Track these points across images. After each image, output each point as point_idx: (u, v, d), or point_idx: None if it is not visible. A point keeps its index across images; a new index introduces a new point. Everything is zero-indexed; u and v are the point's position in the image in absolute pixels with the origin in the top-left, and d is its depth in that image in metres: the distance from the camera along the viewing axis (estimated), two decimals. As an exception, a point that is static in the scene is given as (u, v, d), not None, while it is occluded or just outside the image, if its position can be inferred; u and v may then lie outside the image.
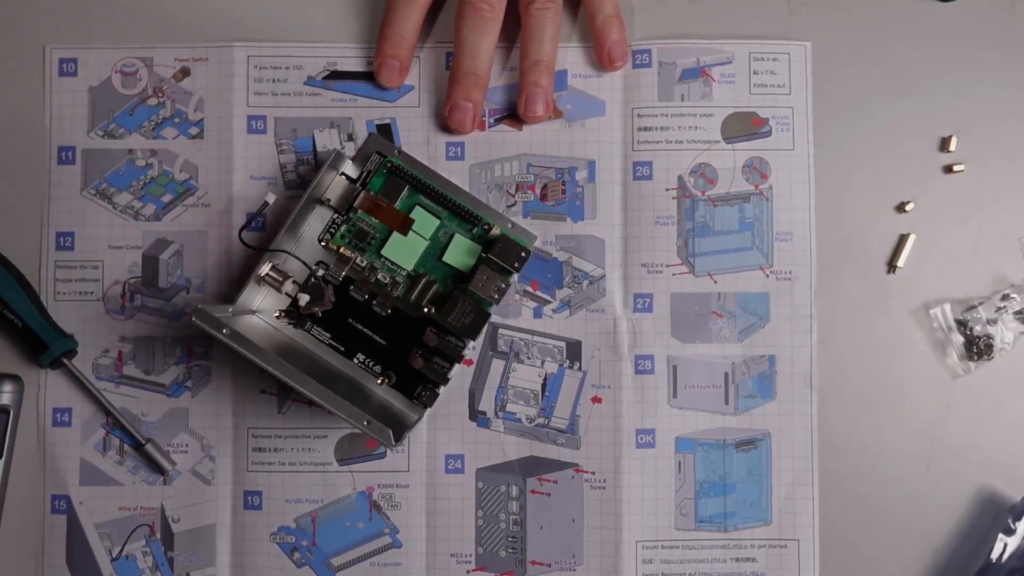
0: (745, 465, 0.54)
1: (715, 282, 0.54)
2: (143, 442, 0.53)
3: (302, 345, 0.51)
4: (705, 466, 0.54)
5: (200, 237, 0.54)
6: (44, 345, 0.52)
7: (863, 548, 0.54)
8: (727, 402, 0.54)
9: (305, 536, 0.54)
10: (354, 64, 0.55)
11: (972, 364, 0.54)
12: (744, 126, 0.55)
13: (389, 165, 0.50)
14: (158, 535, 0.54)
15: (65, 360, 0.53)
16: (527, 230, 0.49)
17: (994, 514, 0.54)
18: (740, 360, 0.54)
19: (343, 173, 0.51)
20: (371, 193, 0.50)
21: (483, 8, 0.52)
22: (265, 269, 0.49)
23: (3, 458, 0.53)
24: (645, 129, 0.55)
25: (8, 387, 0.53)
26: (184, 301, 0.54)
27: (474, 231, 0.50)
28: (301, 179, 0.55)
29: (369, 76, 0.55)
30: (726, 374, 0.54)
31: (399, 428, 0.46)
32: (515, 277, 0.49)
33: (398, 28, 0.53)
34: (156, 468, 0.54)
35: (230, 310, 0.48)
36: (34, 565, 0.54)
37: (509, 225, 0.49)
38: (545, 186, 0.55)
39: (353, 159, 0.51)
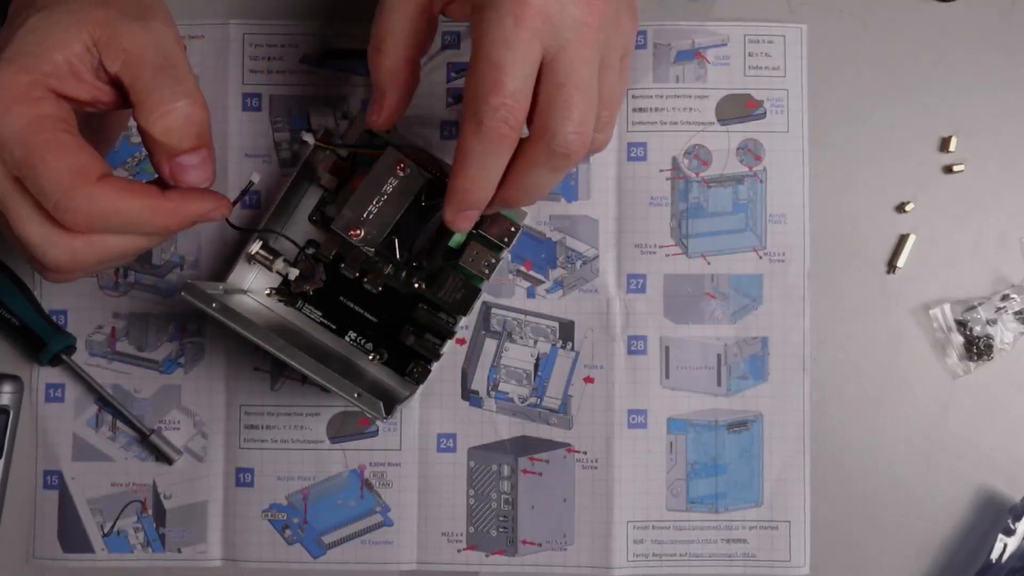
0: (737, 446, 0.54)
1: (708, 263, 0.54)
2: (148, 433, 0.54)
3: (293, 323, 0.52)
4: (697, 447, 0.54)
5: (194, 214, 0.54)
6: (43, 343, 0.53)
7: (856, 533, 0.54)
8: (719, 383, 0.54)
9: (296, 513, 0.54)
10: (350, 42, 0.55)
11: (972, 364, 0.54)
12: (738, 108, 0.55)
13: (379, 144, 0.50)
14: (150, 511, 0.54)
15: (64, 356, 0.53)
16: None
17: (994, 514, 0.54)
18: (733, 341, 0.54)
19: (334, 150, 0.51)
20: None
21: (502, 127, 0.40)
22: (255, 248, 0.49)
23: (3, 458, 0.53)
24: (640, 110, 0.55)
25: (8, 387, 0.53)
26: (178, 278, 0.54)
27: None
28: (295, 157, 0.55)
29: (365, 55, 0.55)
30: (719, 355, 0.54)
31: (390, 403, 0.46)
32: (506, 252, 0.49)
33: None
34: (162, 458, 0.54)
35: (221, 287, 0.48)
36: (26, 540, 0.54)
37: None
38: (539, 166, 0.55)
39: (343, 138, 0.51)
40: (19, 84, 0.38)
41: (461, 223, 0.43)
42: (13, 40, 0.39)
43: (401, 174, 0.46)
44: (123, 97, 0.40)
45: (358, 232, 0.46)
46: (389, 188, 0.47)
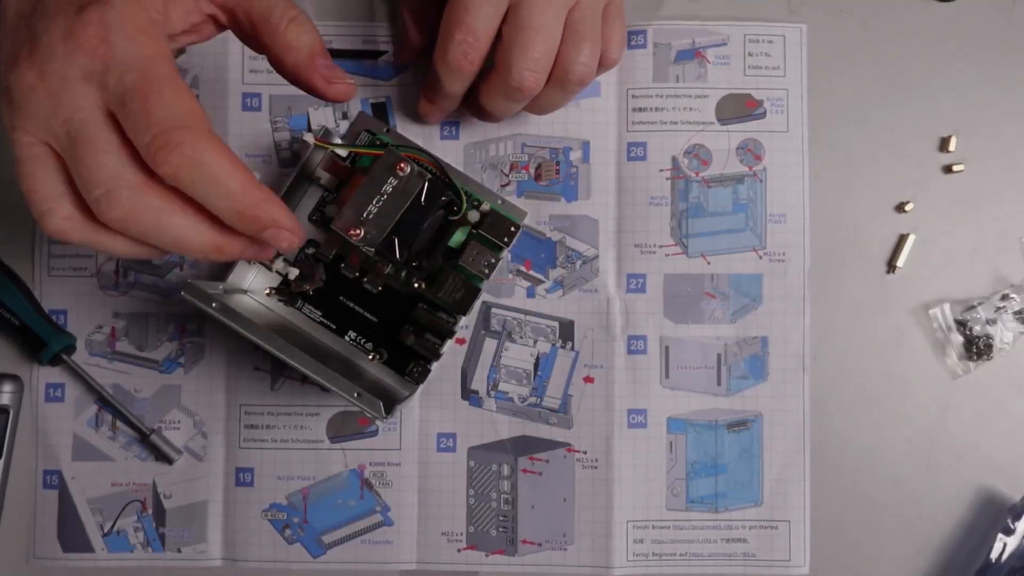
0: (737, 446, 0.54)
1: (708, 263, 0.54)
2: (148, 433, 0.54)
3: (293, 323, 0.52)
4: (697, 447, 0.54)
5: (194, 214, 0.54)
6: (43, 343, 0.53)
7: (856, 534, 0.54)
8: (719, 383, 0.54)
9: (296, 513, 0.54)
10: (350, 42, 0.55)
11: (972, 364, 0.54)
12: (738, 108, 0.55)
13: (378, 143, 0.50)
14: (150, 511, 0.54)
15: (64, 356, 0.53)
16: (517, 206, 0.49)
17: (994, 514, 0.54)
18: (733, 341, 0.54)
19: (334, 150, 0.51)
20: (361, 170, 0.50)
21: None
22: None
23: (3, 458, 0.53)
24: (640, 110, 0.55)
25: (8, 387, 0.53)
26: (178, 278, 0.54)
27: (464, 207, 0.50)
28: (295, 157, 0.55)
29: (364, 54, 0.55)
30: (718, 355, 0.54)
31: (390, 403, 0.46)
32: (506, 252, 0.49)
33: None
34: (162, 458, 0.54)
35: (221, 287, 0.48)
36: (26, 540, 0.54)
37: (499, 201, 0.49)
38: (539, 166, 0.55)
39: (343, 137, 0.51)
40: (139, 17, 0.37)
41: (430, 118, 0.54)
42: None
43: (401, 174, 0.46)
44: (218, 27, 0.42)
45: (358, 232, 0.46)
46: (389, 188, 0.46)
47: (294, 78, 0.42)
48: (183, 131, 0.35)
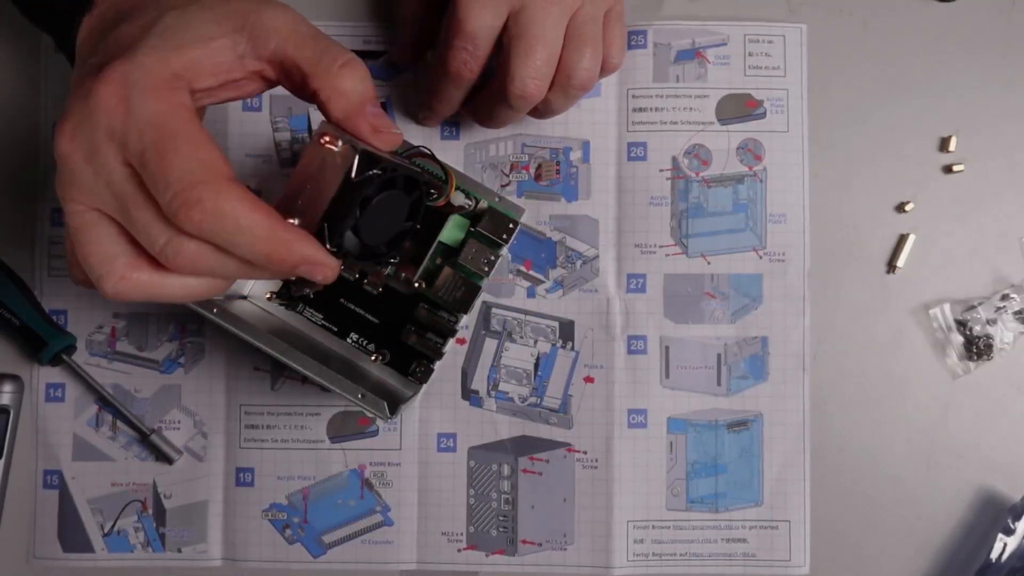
0: (737, 446, 0.54)
1: (708, 263, 0.54)
2: (148, 433, 0.54)
3: (295, 327, 0.51)
4: (697, 447, 0.54)
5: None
6: (43, 342, 0.53)
7: (856, 534, 0.54)
8: (719, 383, 0.54)
9: (297, 513, 0.54)
10: (350, 43, 0.55)
11: (972, 364, 0.54)
12: (738, 108, 0.55)
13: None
14: (150, 511, 0.54)
15: (65, 356, 0.53)
16: (515, 203, 0.49)
17: (994, 514, 0.54)
18: (733, 341, 0.54)
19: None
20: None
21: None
22: None
23: (3, 458, 0.53)
24: (640, 110, 0.55)
25: (8, 387, 0.53)
26: (178, 278, 0.54)
27: (462, 205, 0.50)
28: (296, 157, 0.55)
29: (365, 55, 0.55)
30: (719, 355, 0.54)
31: (394, 403, 0.46)
32: (505, 249, 0.49)
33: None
34: (162, 458, 0.54)
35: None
36: (26, 540, 0.54)
37: (497, 199, 0.49)
38: (539, 166, 0.55)
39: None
40: (160, 73, 0.36)
41: (428, 122, 0.55)
42: (149, 36, 0.37)
43: (328, 151, 0.40)
44: (265, 82, 0.40)
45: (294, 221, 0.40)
46: (318, 170, 0.40)
47: (342, 124, 0.40)
48: (200, 187, 0.35)
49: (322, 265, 0.38)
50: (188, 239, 0.36)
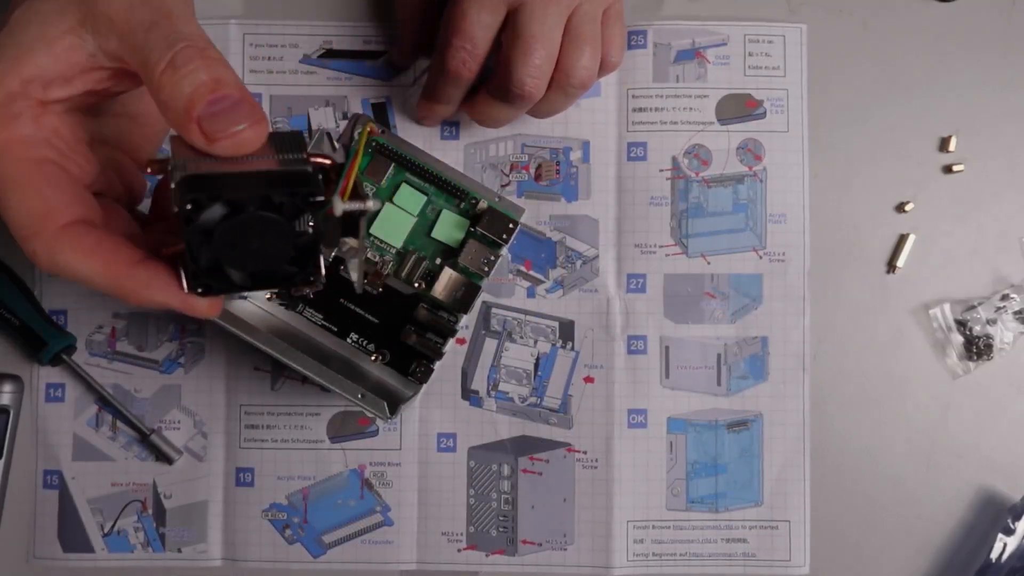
0: (737, 446, 0.54)
1: (708, 263, 0.54)
2: (148, 433, 0.54)
3: (295, 327, 0.52)
4: (697, 447, 0.54)
5: (194, 214, 0.54)
6: (43, 342, 0.53)
7: (856, 534, 0.54)
8: (719, 383, 0.54)
9: (297, 513, 0.54)
10: (350, 43, 0.55)
11: (972, 364, 0.54)
12: (738, 108, 0.55)
13: (375, 144, 0.50)
14: (150, 511, 0.54)
15: (65, 356, 0.53)
16: (515, 203, 0.49)
17: (994, 514, 0.54)
18: (733, 341, 0.54)
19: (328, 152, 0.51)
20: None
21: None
22: None
23: (3, 458, 0.53)
24: (640, 110, 0.55)
25: (8, 387, 0.53)
26: (178, 278, 0.54)
27: (461, 206, 0.50)
28: (296, 157, 0.54)
29: (365, 55, 0.55)
30: (718, 355, 0.54)
31: (394, 403, 0.46)
32: (504, 249, 0.49)
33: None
34: (162, 458, 0.54)
35: None
36: (26, 540, 0.54)
37: (496, 199, 0.49)
38: (539, 166, 0.55)
39: (339, 139, 0.51)
40: (2, 88, 0.33)
41: (428, 122, 0.54)
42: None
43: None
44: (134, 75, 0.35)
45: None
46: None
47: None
48: (33, 240, 0.34)
49: (188, 308, 0.35)
50: (42, 255, 0.35)
